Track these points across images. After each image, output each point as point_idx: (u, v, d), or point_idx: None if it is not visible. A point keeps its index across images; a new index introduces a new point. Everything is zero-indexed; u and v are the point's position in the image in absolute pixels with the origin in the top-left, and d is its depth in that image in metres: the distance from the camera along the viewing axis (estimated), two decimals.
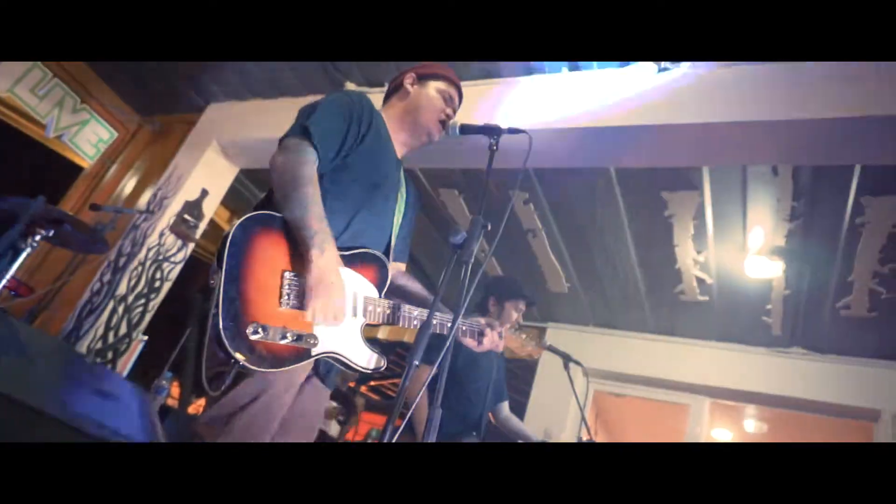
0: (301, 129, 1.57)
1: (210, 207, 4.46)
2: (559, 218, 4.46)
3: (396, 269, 1.89)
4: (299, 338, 1.39)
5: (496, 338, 1.78)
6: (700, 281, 4.64)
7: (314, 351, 1.44)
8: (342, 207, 1.59)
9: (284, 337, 1.37)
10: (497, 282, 3.11)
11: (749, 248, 4.16)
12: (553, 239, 4.68)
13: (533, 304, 3.14)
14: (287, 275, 1.43)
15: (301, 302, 1.42)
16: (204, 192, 4.38)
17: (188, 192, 4.29)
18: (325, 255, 1.41)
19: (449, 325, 1.57)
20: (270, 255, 1.43)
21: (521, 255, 4.95)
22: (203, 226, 4.43)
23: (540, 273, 5.10)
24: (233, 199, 5.32)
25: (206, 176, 4.40)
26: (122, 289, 3.92)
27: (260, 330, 1.33)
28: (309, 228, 1.42)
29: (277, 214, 1.47)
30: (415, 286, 1.85)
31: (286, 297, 1.41)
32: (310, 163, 1.51)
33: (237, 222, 1.41)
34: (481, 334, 1.76)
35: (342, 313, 1.46)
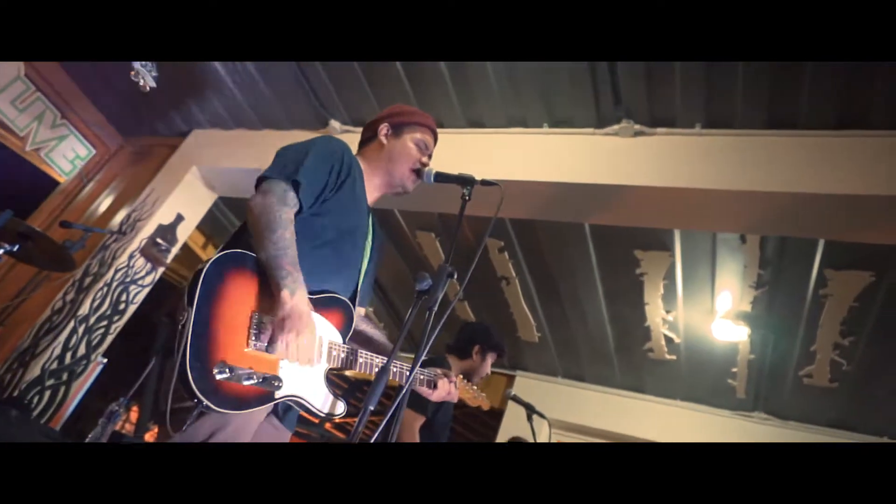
0: (285, 173, 1.57)
1: (184, 232, 4.42)
2: (533, 268, 4.50)
3: (357, 313, 1.89)
4: (265, 380, 1.38)
5: (452, 388, 1.80)
6: (668, 340, 4.68)
7: (278, 394, 1.43)
8: (311, 252, 1.59)
9: (250, 378, 1.36)
10: (486, 331, 3.16)
11: (717, 311, 4.22)
12: (526, 288, 4.71)
13: (503, 357, 3.21)
14: (255, 316, 1.43)
15: (268, 344, 1.42)
16: (179, 217, 4.34)
17: (163, 216, 4.25)
18: (295, 297, 1.42)
19: (407, 372, 1.57)
20: (240, 295, 1.42)
21: (493, 302, 4.97)
22: (175, 250, 4.37)
23: (512, 321, 5.11)
24: (210, 225, 5.29)
25: (182, 201, 4.36)
26: (84, 309, 3.82)
27: (226, 370, 1.32)
28: (282, 269, 1.43)
29: (251, 254, 1.47)
30: (375, 332, 1.88)
31: (253, 339, 1.40)
32: (289, 208, 1.52)
33: (211, 259, 1.40)
34: (434, 385, 1.78)
35: (311, 352, 1.46)
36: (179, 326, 1.32)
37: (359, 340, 1.81)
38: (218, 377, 1.30)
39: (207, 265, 1.38)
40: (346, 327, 1.64)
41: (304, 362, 1.46)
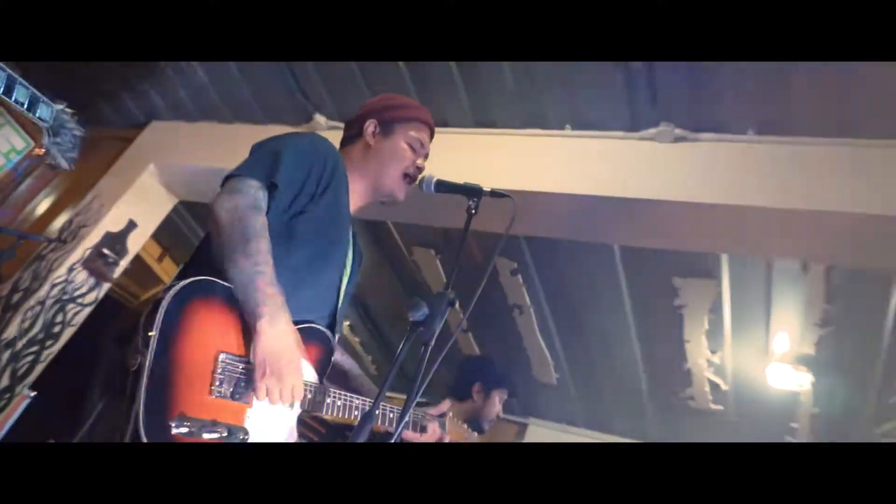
0: (256, 172, 1.58)
1: (136, 242, 4.43)
2: (551, 295, 4.48)
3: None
4: (229, 432, 1.40)
5: (438, 429, 1.89)
6: (714, 386, 4.64)
7: None
8: (285, 273, 1.59)
9: (212, 431, 1.38)
10: (484, 366, 3.21)
11: (773, 353, 4.18)
12: (543, 319, 4.69)
13: (515, 396, 3.24)
14: (222, 357, 1.43)
15: (234, 390, 1.44)
16: (131, 224, 4.35)
17: (112, 222, 4.26)
18: (275, 326, 1.42)
19: (392, 415, 1.72)
20: (205, 333, 1.42)
21: (503, 335, 4.95)
22: (125, 263, 4.37)
23: (525, 357, 5.08)
24: (167, 235, 5.30)
25: (135, 204, 4.38)
26: (10, 331, 3.81)
27: (185, 425, 1.33)
28: (258, 292, 1.43)
29: (218, 281, 1.46)
30: (350, 364, 1.95)
31: (217, 384, 1.42)
32: (262, 212, 1.53)
33: (171, 291, 1.39)
34: (423, 428, 1.86)
35: (299, 391, 1.48)
36: (132, 370, 1.32)
37: (333, 375, 1.83)
38: (174, 431, 1.31)
39: (167, 299, 1.37)
40: (323, 364, 1.67)
41: (284, 402, 1.47)
